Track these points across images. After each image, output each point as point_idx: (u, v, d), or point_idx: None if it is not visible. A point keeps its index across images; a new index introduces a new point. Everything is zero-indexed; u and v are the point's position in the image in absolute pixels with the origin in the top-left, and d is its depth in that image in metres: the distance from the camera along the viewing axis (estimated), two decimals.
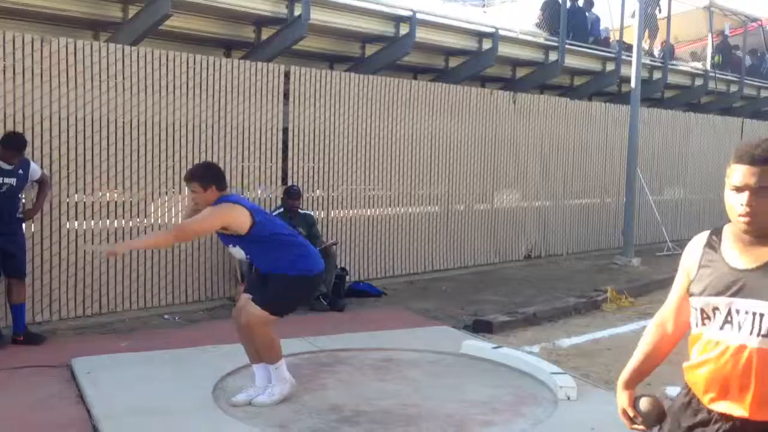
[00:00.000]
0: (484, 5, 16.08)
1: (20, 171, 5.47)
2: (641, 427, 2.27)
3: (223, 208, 4.09)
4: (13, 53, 5.96)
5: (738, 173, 2.00)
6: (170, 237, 4.12)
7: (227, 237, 4.25)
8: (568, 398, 4.40)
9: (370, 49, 9.87)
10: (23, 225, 5.74)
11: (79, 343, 5.61)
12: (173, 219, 6.96)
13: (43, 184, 5.78)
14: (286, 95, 7.73)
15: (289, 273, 4.23)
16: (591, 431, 3.94)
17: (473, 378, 4.90)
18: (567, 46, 11.65)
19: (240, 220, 4.10)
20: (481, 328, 6.33)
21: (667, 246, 11.57)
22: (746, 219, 1.97)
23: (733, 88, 15.73)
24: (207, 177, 4.18)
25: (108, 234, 6.56)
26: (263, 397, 4.31)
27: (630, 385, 2.33)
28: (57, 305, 6.29)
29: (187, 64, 6.97)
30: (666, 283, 8.80)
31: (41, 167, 5.98)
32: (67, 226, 6.34)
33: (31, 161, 5.67)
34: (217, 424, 3.97)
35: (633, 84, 10.28)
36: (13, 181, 5.42)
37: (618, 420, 4.06)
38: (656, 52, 14.58)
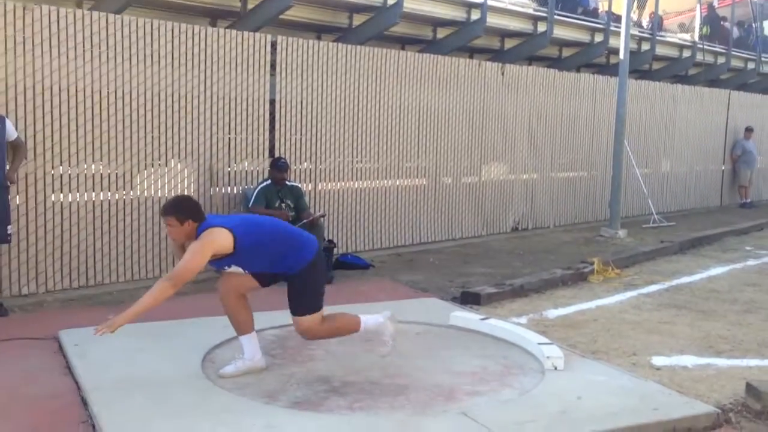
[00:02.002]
0: None
1: None
2: None
3: (206, 238, 4.04)
4: None
5: None
6: (169, 288, 3.97)
7: (218, 261, 4.21)
8: (555, 368, 4.44)
9: (358, 19, 9.78)
10: (8, 190, 5.67)
11: (66, 316, 5.58)
12: (159, 191, 6.91)
13: (18, 148, 5.71)
14: (273, 66, 7.65)
15: (294, 270, 4.25)
16: (578, 400, 3.98)
17: (461, 349, 4.93)
18: (556, 16, 11.61)
19: (224, 242, 4.08)
20: (468, 299, 6.36)
21: (653, 218, 11.64)
22: None
23: (721, 60, 15.74)
24: (183, 211, 4.14)
25: (94, 206, 6.51)
26: None
27: None
28: (43, 277, 6.25)
29: (172, 33, 6.87)
30: (652, 255, 8.89)
31: (25, 138, 5.92)
32: (53, 198, 6.29)
33: (6, 119, 5.61)
34: (206, 394, 3.98)
35: (621, 55, 10.24)
36: None
37: (604, 389, 4.12)
38: (644, 24, 14.55)
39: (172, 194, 6.99)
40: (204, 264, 4.09)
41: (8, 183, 5.64)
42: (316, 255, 4.34)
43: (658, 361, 4.89)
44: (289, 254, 4.26)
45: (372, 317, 4.58)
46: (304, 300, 4.30)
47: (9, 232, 5.65)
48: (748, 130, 14.71)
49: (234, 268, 4.26)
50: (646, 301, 6.67)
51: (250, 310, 4.38)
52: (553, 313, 6.12)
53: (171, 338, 4.91)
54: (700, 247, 9.85)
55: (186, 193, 7.06)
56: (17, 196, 6.03)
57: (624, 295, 6.89)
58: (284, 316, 5.42)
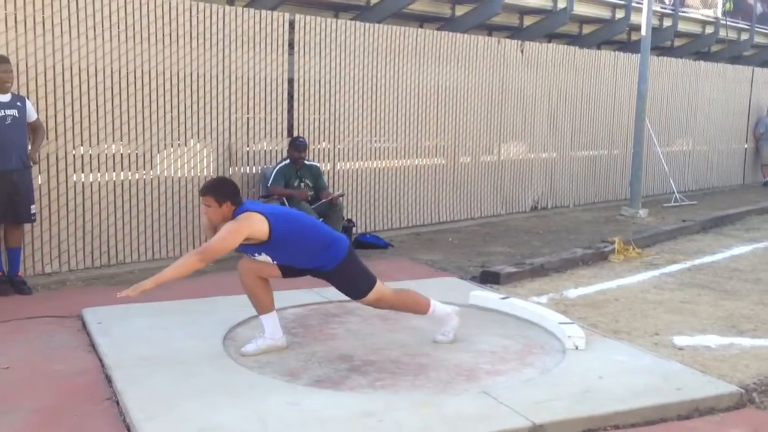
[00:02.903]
0: None
1: (18, 104, 5.52)
2: None
3: (242, 221, 4.06)
4: (14, 1, 5.85)
5: None
6: (197, 262, 3.98)
7: (249, 247, 4.21)
8: (576, 348, 4.42)
9: None
10: (30, 171, 5.74)
11: (88, 294, 5.64)
12: (179, 171, 6.94)
13: (38, 129, 5.76)
14: (290, 45, 7.62)
15: (328, 268, 4.27)
16: (599, 379, 3.96)
17: (481, 328, 4.92)
18: None
19: (260, 228, 4.08)
20: (488, 279, 6.34)
21: (674, 197, 11.53)
22: None
23: (744, 36, 15.49)
24: (222, 193, 4.15)
25: (114, 186, 6.55)
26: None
27: None
28: (66, 256, 6.31)
29: (190, 12, 6.85)
30: (673, 234, 8.81)
31: (45, 119, 5.95)
32: (74, 178, 6.33)
33: (27, 100, 5.66)
34: (228, 372, 4.00)
35: (643, 32, 10.09)
36: (14, 112, 5.47)
37: (626, 368, 4.10)
38: (666, 0, 14.32)
39: (192, 174, 7.02)
40: (237, 244, 4.10)
41: (31, 164, 5.68)
42: (348, 251, 4.35)
43: (680, 340, 4.86)
44: (319, 253, 4.25)
45: (442, 305, 4.63)
46: (357, 284, 4.35)
47: (33, 211, 5.71)
48: None
49: (264, 257, 4.26)
50: (667, 280, 6.62)
51: (270, 289, 4.40)
52: (573, 293, 6.09)
53: (193, 316, 4.94)
54: (722, 226, 9.75)
55: (205, 173, 7.10)
56: (39, 177, 6.07)
57: (645, 274, 6.84)
58: (306, 295, 5.46)
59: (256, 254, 4.27)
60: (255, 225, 4.08)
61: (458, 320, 4.65)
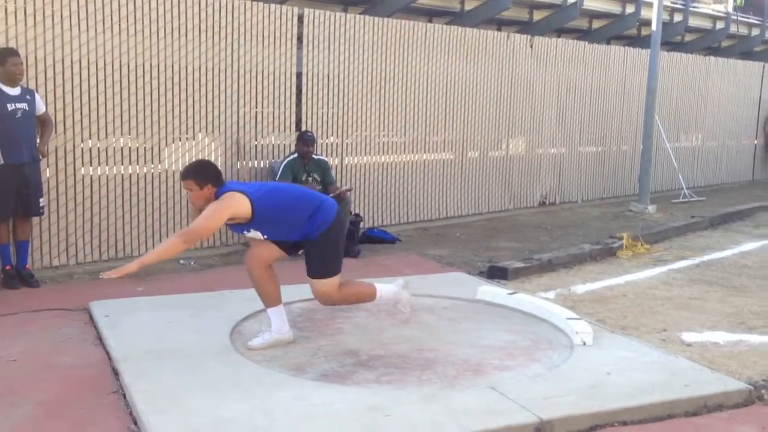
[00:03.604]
0: None
1: (28, 97, 5.54)
2: None
3: (224, 201, 4.06)
4: None
5: None
6: (180, 243, 3.99)
7: (237, 226, 4.24)
8: (584, 343, 4.40)
9: None
10: (39, 164, 5.75)
11: (95, 287, 5.64)
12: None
13: (46, 122, 5.76)
14: (299, 39, 7.60)
15: (314, 235, 4.24)
16: (607, 375, 3.94)
17: (489, 323, 4.91)
18: None
19: (243, 206, 4.08)
20: (496, 274, 6.33)
21: (683, 193, 11.48)
22: None
23: (755, 32, 15.39)
24: (203, 175, 4.14)
25: (122, 179, 6.56)
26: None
27: None
28: (74, 249, 6.32)
29: (199, 5, 6.84)
30: (682, 231, 8.76)
31: (54, 112, 5.96)
32: (82, 171, 6.34)
33: (36, 93, 5.67)
34: (235, 366, 4.00)
35: (654, 26, 10.03)
36: (24, 105, 5.49)
37: (634, 364, 4.08)
38: None
39: None
40: (220, 225, 4.12)
41: (39, 157, 5.70)
42: (336, 218, 4.32)
43: (688, 337, 4.83)
44: (307, 220, 4.24)
45: (387, 286, 4.66)
46: (324, 262, 4.30)
47: (41, 205, 5.73)
48: None
49: (253, 233, 4.28)
50: (676, 276, 6.59)
51: (277, 282, 4.39)
52: (581, 289, 6.07)
53: (200, 310, 4.95)
54: (731, 222, 9.70)
55: None
56: (47, 170, 6.08)
57: (653, 270, 6.80)
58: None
59: (246, 232, 4.29)
60: (236, 205, 4.08)
61: (408, 292, 4.74)
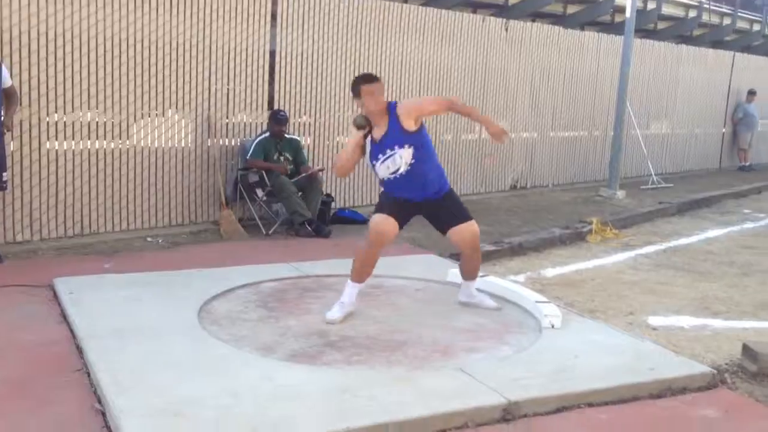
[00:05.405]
0: None
1: None
2: None
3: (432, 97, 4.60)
4: None
5: None
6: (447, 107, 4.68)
7: (393, 138, 4.36)
8: (553, 326, 4.42)
9: None
10: (3, 137, 5.60)
11: (60, 264, 5.55)
12: (156, 141, 6.83)
13: (12, 95, 5.61)
14: (273, 17, 7.50)
15: (447, 187, 4.68)
16: (575, 358, 3.97)
17: (459, 306, 4.92)
18: None
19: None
20: None
21: (652, 179, 11.59)
22: None
23: (726, 21, 15.54)
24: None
25: (89, 155, 6.43)
26: None
27: None
28: (38, 225, 6.20)
29: None
30: (650, 216, 8.86)
31: (19, 84, 5.81)
32: (47, 146, 6.20)
33: (2, 65, 5.50)
34: (202, 345, 3.96)
35: (628, 13, 10.06)
36: None
37: (601, 348, 4.12)
38: None
39: (169, 144, 6.92)
40: (443, 109, 4.85)
41: (4, 130, 5.55)
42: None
43: (654, 321, 4.89)
44: (442, 173, 4.62)
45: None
46: (463, 206, 4.72)
47: (4, 179, 5.59)
48: (751, 93, 14.56)
49: (405, 151, 4.36)
50: (643, 261, 6.66)
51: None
52: (551, 272, 6.11)
53: (167, 288, 4.88)
54: (698, 209, 9.83)
55: (183, 144, 7.00)
56: (11, 143, 5.94)
57: (622, 255, 6.88)
58: (283, 269, 5.42)
59: (398, 147, 4.36)
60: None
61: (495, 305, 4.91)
